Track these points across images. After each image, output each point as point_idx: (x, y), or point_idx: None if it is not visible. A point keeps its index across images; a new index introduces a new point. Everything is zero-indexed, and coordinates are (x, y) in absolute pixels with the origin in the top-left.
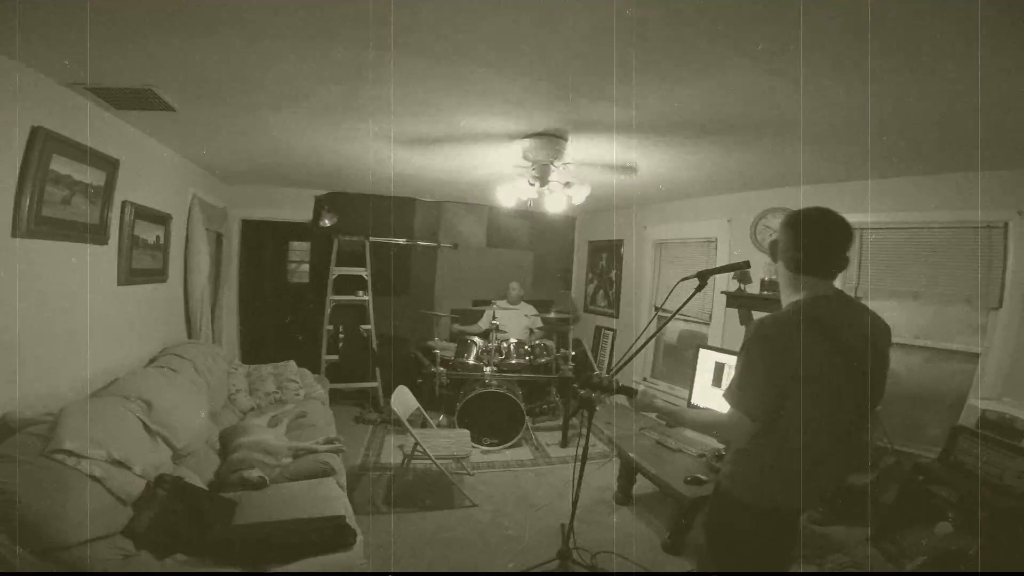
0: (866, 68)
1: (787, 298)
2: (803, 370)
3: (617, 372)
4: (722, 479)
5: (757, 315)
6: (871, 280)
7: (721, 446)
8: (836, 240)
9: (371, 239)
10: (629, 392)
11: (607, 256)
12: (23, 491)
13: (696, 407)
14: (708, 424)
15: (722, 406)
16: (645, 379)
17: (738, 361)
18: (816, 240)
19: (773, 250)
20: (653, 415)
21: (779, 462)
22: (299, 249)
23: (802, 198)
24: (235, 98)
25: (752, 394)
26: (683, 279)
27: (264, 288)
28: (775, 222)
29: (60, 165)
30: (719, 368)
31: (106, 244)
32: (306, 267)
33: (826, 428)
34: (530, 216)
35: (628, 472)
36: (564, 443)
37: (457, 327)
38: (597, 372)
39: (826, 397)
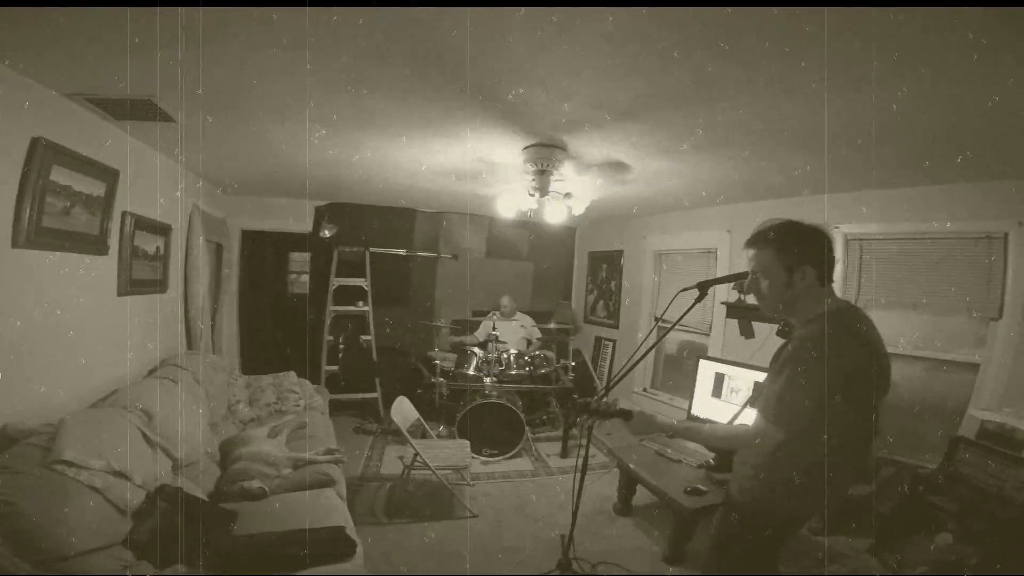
0: (868, 77)
1: (806, 312)
2: (846, 382)
3: (616, 383)
4: (738, 491)
5: (757, 327)
6: (870, 291)
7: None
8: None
9: (371, 250)
10: (625, 415)
11: (607, 267)
12: (23, 501)
13: (696, 418)
14: (729, 438)
15: (725, 417)
16: (645, 389)
17: (778, 376)
18: (827, 252)
19: (789, 264)
20: (657, 435)
21: (806, 472)
22: (299, 260)
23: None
24: (235, 109)
25: (791, 407)
26: (683, 289)
27: (264, 298)
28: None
29: (60, 176)
30: (719, 379)
31: (106, 255)
32: (306, 278)
33: (850, 437)
34: (530, 227)
35: (628, 483)
36: (564, 454)
37: (454, 338)
38: (595, 398)
39: (858, 407)
